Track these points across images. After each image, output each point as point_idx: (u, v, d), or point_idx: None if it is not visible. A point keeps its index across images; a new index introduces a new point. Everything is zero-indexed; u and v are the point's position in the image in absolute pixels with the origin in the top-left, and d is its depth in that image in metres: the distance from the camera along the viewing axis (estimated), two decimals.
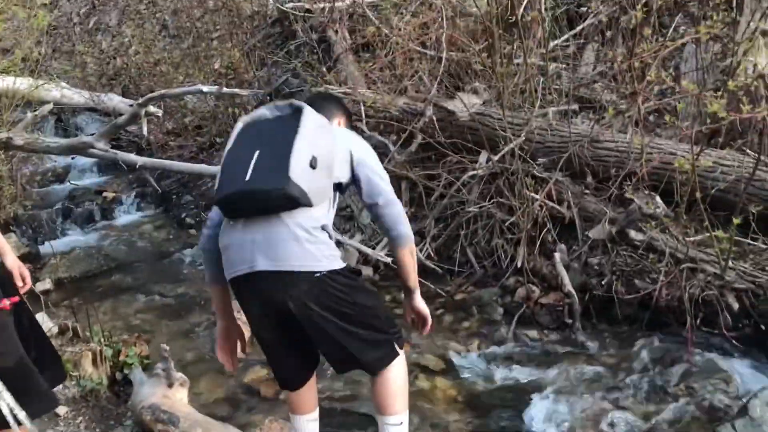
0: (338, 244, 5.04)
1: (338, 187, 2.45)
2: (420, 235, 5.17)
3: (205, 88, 4.94)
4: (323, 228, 2.32)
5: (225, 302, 2.62)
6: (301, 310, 2.31)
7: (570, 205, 4.65)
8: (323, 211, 2.35)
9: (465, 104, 4.90)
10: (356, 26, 6.74)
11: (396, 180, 5.45)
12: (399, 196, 5.26)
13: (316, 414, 2.69)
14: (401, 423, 2.52)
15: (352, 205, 5.60)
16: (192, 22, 8.55)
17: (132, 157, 5.76)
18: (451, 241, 5.01)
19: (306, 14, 7.14)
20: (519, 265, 4.58)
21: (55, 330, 3.86)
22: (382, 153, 5.38)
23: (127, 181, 7.61)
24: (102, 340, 3.75)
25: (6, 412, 2.27)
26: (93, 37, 10.81)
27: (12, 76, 6.60)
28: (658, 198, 4.40)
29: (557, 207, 4.63)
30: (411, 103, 5.33)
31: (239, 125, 2.45)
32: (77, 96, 8.33)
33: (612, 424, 3.18)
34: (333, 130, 2.51)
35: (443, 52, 5.26)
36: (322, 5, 6.77)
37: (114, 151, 5.58)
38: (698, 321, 3.84)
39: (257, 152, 2.28)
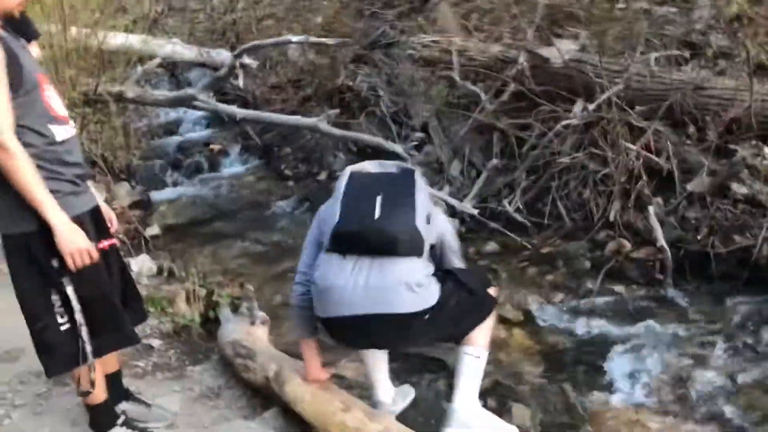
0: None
1: (431, 247, 2.54)
2: (510, 188, 5.09)
3: (293, 38, 5.01)
4: (427, 276, 2.44)
5: (317, 353, 2.70)
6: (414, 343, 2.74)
7: (669, 156, 4.42)
8: (426, 263, 2.48)
9: (559, 50, 4.71)
10: None
11: (488, 131, 5.38)
12: (490, 148, 5.29)
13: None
14: (479, 357, 2.60)
15: (442, 157, 5.56)
16: None
17: (232, 109, 5.99)
18: (541, 194, 4.89)
19: None
20: (611, 218, 4.42)
21: (155, 270, 4.11)
22: (473, 102, 5.32)
23: (233, 134, 7.87)
24: (196, 281, 3.95)
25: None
26: None
27: (126, 33, 6.95)
28: (766, 148, 4.10)
29: (655, 158, 4.41)
30: (505, 51, 5.19)
31: (348, 171, 2.58)
32: (188, 52, 8.63)
33: (694, 382, 3.04)
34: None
35: None
36: None
37: (215, 103, 5.81)
38: None
39: (380, 196, 2.42)
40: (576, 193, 4.70)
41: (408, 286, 2.37)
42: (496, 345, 3.47)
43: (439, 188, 5.38)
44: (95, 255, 2.40)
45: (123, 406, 2.79)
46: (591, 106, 4.62)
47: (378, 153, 5.80)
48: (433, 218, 2.52)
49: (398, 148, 5.34)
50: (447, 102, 5.61)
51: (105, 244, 2.53)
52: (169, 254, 5.44)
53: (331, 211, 2.49)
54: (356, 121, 6.38)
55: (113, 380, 2.78)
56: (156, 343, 3.56)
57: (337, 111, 5.75)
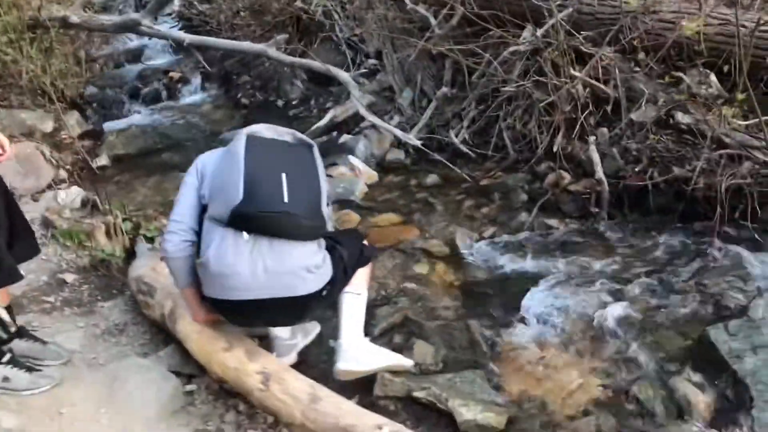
0: (373, 127, 4.92)
1: None
2: (459, 118, 4.93)
3: None
4: (323, 256, 2.44)
5: (199, 298, 2.57)
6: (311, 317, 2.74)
7: (616, 85, 4.22)
8: (320, 242, 2.46)
9: None
10: None
11: (440, 58, 5.17)
12: (440, 76, 5.09)
13: None
14: (359, 294, 2.63)
15: (394, 86, 5.37)
16: None
17: (179, 34, 5.79)
18: (489, 125, 4.73)
19: None
20: (554, 149, 4.26)
21: (78, 203, 4.02)
22: (423, 27, 5.09)
23: (195, 62, 7.64)
24: (119, 214, 3.85)
25: None
26: None
27: None
28: (713, 76, 3.91)
29: (601, 87, 4.22)
30: None
31: (243, 135, 2.43)
32: None
33: (606, 320, 2.96)
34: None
35: None
36: None
37: (159, 29, 5.59)
38: (737, 214, 3.46)
39: (285, 174, 2.33)
40: (521, 123, 4.53)
41: (308, 269, 2.36)
42: (416, 278, 3.42)
43: (389, 118, 5.22)
44: None
45: (15, 344, 2.74)
46: (539, 32, 4.40)
47: (330, 80, 5.62)
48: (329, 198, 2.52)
49: (345, 75, 5.13)
50: (400, 28, 5.37)
51: None
52: (115, 186, 5.35)
53: (226, 177, 2.36)
54: (313, 49, 6.16)
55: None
56: (70, 278, 3.50)
57: (286, 36, 5.54)
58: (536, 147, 4.38)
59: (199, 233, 2.47)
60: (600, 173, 3.88)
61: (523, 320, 3.07)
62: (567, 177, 4.09)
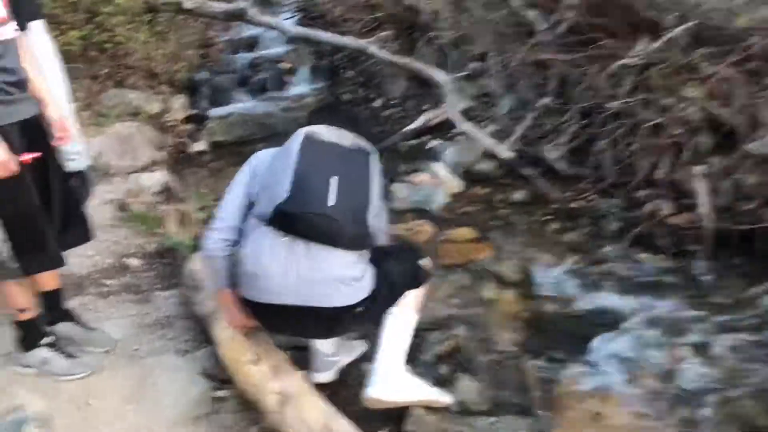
0: (464, 133, 4.69)
1: None
2: (557, 132, 4.59)
3: None
4: (363, 268, 2.29)
5: (236, 301, 2.44)
6: (344, 333, 2.56)
7: (737, 110, 3.76)
8: (363, 253, 2.31)
9: None
10: None
11: (545, 66, 4.85)
12: (544, 85, 4.78)
13: None
14: (406, 318, 2.44)
15: (494, 92, 5.09)
16: None
17: (285, 24, 5.81)
18: (588, 143, 4.36)
19: None
20: (658, 176, 3.86)
21: (157, 188, 4.06)
22: (531, 32, 4.79)
23: (307, 53, 7.67)
24: (194, 202, 3.86)
25: None
26: None
27: None
28: None
29: (719, 110, 3.77)
30: None
31: (302, 133, 2.31)
32: None
33: (683, 378, 2.61)
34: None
35: None
36: None
37: (266, 18, 5.60)
38: None
39: (335, 178, 2.20)
40: (623, 144, 4.14)
41: (343, 280, 2.21)
42: (477, 305, 3.19)
43: (484, 125, 4.96)
44: (13, 168, 2.31)
45: (59, 327, 2.75)
46: (654, 45, 4.00)
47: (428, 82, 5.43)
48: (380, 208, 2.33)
49: (443, 76, 4.92)
50: (507, 32, 5.08)
51: (27, 157, 2.41)
52: (207, 172, 5.43)
53: (276, 175, 2.25)
54: (418, 48, 5.98)
55: (50, 299, 2.74)
56: (135, 263, 3.52)
57: (389, 33, 5.39)
58: (636, 171, 3.99)
59: (243, 232, 2.36)
60: (705, 207, 3.47)
61: (588, 365, 2.76)
62: (667, 208, 3.68)
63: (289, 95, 7.03)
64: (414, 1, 6.09)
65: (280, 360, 2.43)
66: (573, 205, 4.02)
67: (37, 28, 3.47)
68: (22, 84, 2.43)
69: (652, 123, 3.90)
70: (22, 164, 2.37)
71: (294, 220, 2.18)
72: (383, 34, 5.29)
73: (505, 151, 4.37)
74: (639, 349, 2.82)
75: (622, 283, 3.31)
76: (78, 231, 2.67)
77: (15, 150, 2.34)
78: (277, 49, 8.06)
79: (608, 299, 3.21)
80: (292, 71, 7.42)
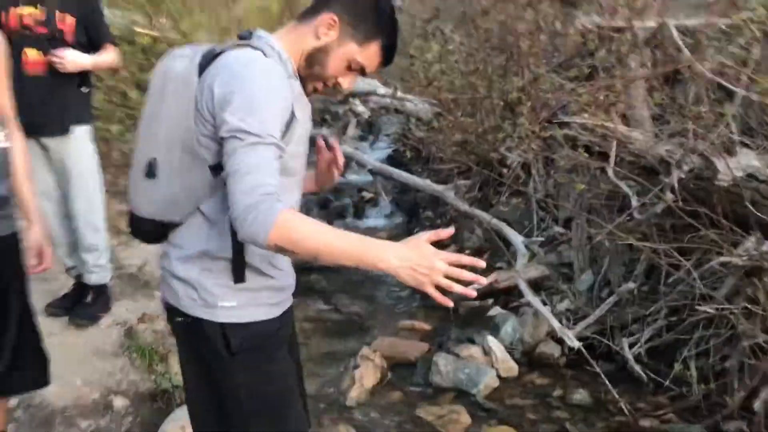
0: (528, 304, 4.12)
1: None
2: (640, 324, 3.95)
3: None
4: None
5: None
6: None
7: None
8: None
9: (727, 163, 3.53)
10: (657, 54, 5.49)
11: (632, 246, 4.27)
12: (632, 267, 4.19)
13: None
14: None
15: (575, 264, 4.54)
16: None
17: (365, 158, 5.60)
18: (675, 347, 3.69)
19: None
20: (755, 407, 3.14)
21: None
22: (623, 207, 4.27)
23: (391, 187, 7.43)
24: None
25: None
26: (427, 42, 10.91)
27: None
28: None
29: None
30: (672, 152, 4.07)
31: None
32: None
33: None
34: None
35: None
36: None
37: (346, 147, 5.39)
38: None
39: None
40: (717, 357, 3.46)
41: None
42: None
43: (558, 300, 4.39)
44: None
45: None
46: (764, 247, 3.38)
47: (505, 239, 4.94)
48: None
49: (518, 238, 4.45)
50: (597, 203, 4.58)
51: None
52: None
53: None
54: (501, 201, 5.58)
55: None
56: (120, 403, 3.12)
57: (468, 182, 5.04)
58: (731, 394, 3.28)
59: None
60: None
61: None
62: None
63: (363, 226, 6.75)
64: (505, 152, 5.74)
65: None
66: (643, 422, 3.31)
67: (83, 135, 3.33)
68: (5, 201, 2.19)
69: (753, 341, 3.22)
70: None
71: None
72: (460, 182, 4.93)
73: (572, 337, 3.76)
74: None
75: None
76: (27, 375, 2.31)
77: None
78: (363, 177, 7.89)
79: None
80: (374, 202, 7.18)
